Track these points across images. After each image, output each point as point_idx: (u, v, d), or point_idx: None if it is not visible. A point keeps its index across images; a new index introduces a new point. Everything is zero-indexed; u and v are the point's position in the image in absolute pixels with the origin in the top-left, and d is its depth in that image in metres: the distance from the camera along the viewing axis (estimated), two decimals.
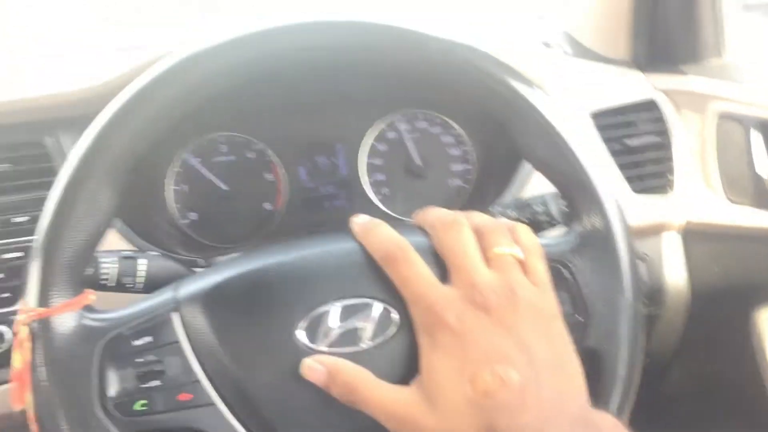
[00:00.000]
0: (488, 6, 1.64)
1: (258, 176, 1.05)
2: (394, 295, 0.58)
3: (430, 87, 0.98)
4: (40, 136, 0.93)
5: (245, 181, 1.05)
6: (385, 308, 0.58)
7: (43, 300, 0.58)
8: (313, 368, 0.56)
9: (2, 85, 0.97)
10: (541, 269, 0.59)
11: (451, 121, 1.09)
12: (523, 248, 0.60)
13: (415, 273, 0.57)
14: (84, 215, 0.59)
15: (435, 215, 0.62)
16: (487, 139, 1.08)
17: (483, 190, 1.08)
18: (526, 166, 1.00)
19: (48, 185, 0.90)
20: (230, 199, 1.04)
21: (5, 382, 0.87)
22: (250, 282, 0.61)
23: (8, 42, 1.44)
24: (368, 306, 0.59)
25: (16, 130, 0.94)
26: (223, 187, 1.04)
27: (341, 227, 1.05)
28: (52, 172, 0.92)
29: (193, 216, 1.04)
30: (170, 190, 1.03)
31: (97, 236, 0.61)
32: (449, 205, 1.07)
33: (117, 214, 0.62)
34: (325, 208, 1.08)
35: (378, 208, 1.08)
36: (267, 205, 1.06)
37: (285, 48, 0.63)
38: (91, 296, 0.62)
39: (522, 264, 0.58)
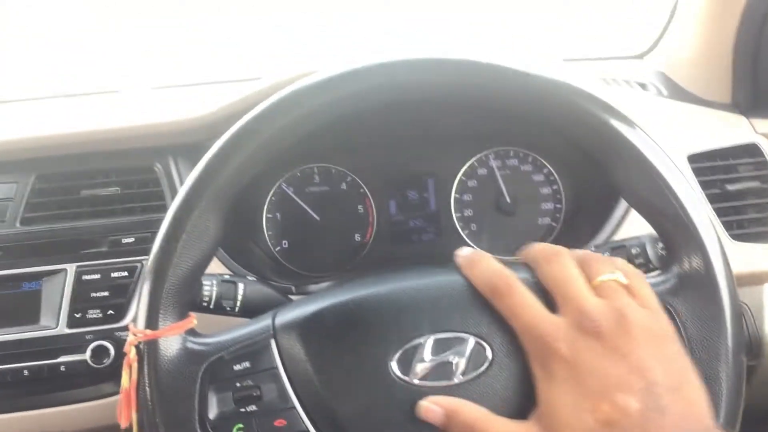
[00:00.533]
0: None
1: (349, 207, 1.08)
2: (488, 330, 0.58)
3: (524, 124, 0.99)
4: (150, 161, 0.98)
5: (337, 212, 1.07)
6: (478, 343, 0.58)
7: (151, 322, 0.61)
8: (431, 409, 0.57)
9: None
10: (647, 292, 0.58)
11: (542, 160, 1.09)
12: (626, 274, 0.59)
13: (523, 303, 0.57)
14: (192, 242, 0.62)
15: (537, 249, 0.62)
16: (578, 179, 1.07)
17: (573, 230, 1.06)
18: (620, 208, 0.98)
19: (156, 209, 0.97)
20: (321, 229, 1.07)
21: (109, 395, 0.91)
22: (345, 312, 0.62)
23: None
24: (462, 340, 0.59)
25: (127, 155, 0.99)
26: (315, 216, 1.07)
27: (429, 260, 1.06)
28: (160, 197, 0.97)
29: (285, 244, 1.07)
30: (264, 218, 1.06)
31: (204, 262, 0.64)
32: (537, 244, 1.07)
33: (222, 241, 0.65)
34: (413, 241, 1.09)
35: (466, 243, 1.08)
36: (357, 236, 1.08)
37: (389, 84, 0.65)
38: (194, 320, 0.65)
39: (627, 289, 0.58)
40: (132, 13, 1.75)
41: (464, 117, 1.00)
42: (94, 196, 0.97)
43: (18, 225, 0.95)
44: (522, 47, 1.26)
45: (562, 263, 0.59)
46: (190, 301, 0.68)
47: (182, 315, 0.63)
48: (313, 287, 0.97)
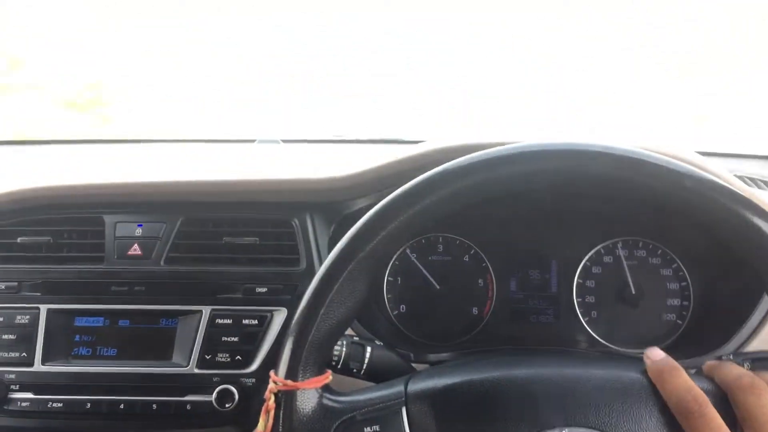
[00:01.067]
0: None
1: (470, 280, 1.09)
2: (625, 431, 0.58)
3: (656, 216, 0.98)
4: (289, 216, 1.03)
5: (457, 283, 1.09)
6: None
7: (292, 373, 0.64)
8: None
9: None
10: None
11: (672, 253, 1.07)
12: None
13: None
14: (339, 302, 0.65)
15: (732, 373, 0.61)
16: (710, 277, 1.04)
17: (700, 332, 1.03)
18: (757, 314, 0.94)
19: (289, 262, 1.01)
20: (440, 298, 1.08)
21: None
22: (481, 391, 0.63)
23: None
24: None
25: (267, 208, 1.05)
26: (436, 285, 1.08)
27: (544, 342, 1.06)
28: (294, 251, 1.01)
29: (402, 308, 1.09)
30: (385, 281, 1.09)
31: (347, 323, 0.67)
32: (660, 341, 1.04)
33: (366, 303, 0.68)
34: (530, 320, 1.08)
35: (584, 329, 1.06)
36: (474, 310, 1.08)
37: (549, 170, 0.66)
38: (330, 377, 0.67)
39: None
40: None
41: (594, 202, 1.00)
42: (234, 244, 1.02)
43: (162, 263, 1.01)
44: (657, 137, 1.25)
45: (762, 397, 0.57)
46: (328, 357, 0.70)
47: (321, 370, 0.66)
48: (432, 357, 0.98)
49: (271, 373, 0.65)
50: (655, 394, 0.60)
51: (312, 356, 0.65)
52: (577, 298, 1.07)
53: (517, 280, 1.09)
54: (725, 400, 0.58)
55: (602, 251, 1.08)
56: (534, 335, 1.07)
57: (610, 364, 0.67)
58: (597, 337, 1.06)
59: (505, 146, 0.66)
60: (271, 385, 0.65)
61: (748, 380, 0.59)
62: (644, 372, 0.62)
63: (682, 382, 0.60)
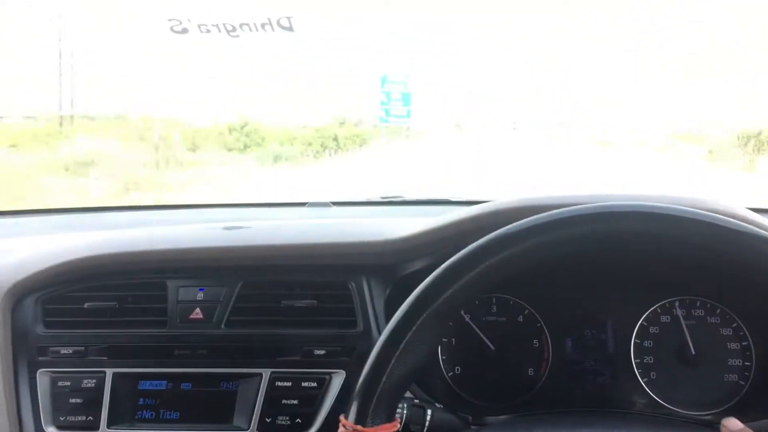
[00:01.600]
0: None
1: (525, 341, 1.09)
2: None
3: (713, 275, 0.97)
4: (346, 279, 1.05)
5: (512, 344, 1.08)
6: None
7: (361, 418, 0.65)
8: None
9: None
10: None
11: (731, 313, 1.05)
12: None
13: None
14: (412, 349, 0.66)
15: None
16: None
17: (764, 393, 1.01)
18: None
19: (346, 324, 1.03)
20: (495, 359, 1.08)
21: None
22: None
23: None
24: None
25: (324, 270, 1.07)
26: (491, 346, 1.08)
27: (602, 404, 1.04)
28: (351, 313, 1.03)
29: (457, 370, 1.09)
30: (440, 342, 1.09)
31: (416, 374, 0.68)
32: (722, 403, 1.02)
33: (432, 356, 0.69)
34: (587, 382, 1.07)
35: (644, 391, 1.05)
36: (530, 371, 1.08)
37: (611, 232, 0.67)
38: (399, 425, 0.68)
39: None
40: None
41: (657, 266, 1.00)
42: (292, 307, 1.04)
43: (223, 327, 1.04)
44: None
45: None
46: (396, 407, 0.71)
47: (390, 418, 0.67)
48: (490, 419, 0.97)
49: (341, 417, 0.66)
50: None
51: (382, 403, 0.66)
52: (635, 358, 1.06)
53: (573, 340, 1.08)
54: None
55: (659, 311, 1.07)
56: (592, 397, 1.06)
57: (673, 428, 0.66)
58: (657, 399, 1.04)
59: (586, 205, 0.68)
60: (341, 429, 0.66)
61: None
62: None
63: None
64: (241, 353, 1.02)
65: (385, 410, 0.66)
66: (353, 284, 1.04)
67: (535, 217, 0.69)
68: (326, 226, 1.30)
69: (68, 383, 1.02)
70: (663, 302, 1.07)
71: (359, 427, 0.65)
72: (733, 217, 0.67)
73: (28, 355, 1.05)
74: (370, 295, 1.04)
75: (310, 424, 0.96)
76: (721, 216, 0.66)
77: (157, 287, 1.08)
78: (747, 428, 0.62)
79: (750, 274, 0.66)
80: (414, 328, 0.66)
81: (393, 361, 0.66)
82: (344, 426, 0.66)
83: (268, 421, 0.97)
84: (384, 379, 0.66)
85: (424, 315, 0.67)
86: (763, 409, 0.95)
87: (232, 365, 1.02)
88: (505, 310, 1.10)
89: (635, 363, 1.06)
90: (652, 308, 1.07)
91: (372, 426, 0.65)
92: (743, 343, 1.04)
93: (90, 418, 1.00)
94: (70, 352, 1.04)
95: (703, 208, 0.67)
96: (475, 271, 0.67)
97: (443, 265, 0.69)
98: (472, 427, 0.85)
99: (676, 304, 1.06)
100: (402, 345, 0.66)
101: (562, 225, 0.67)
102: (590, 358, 1.08)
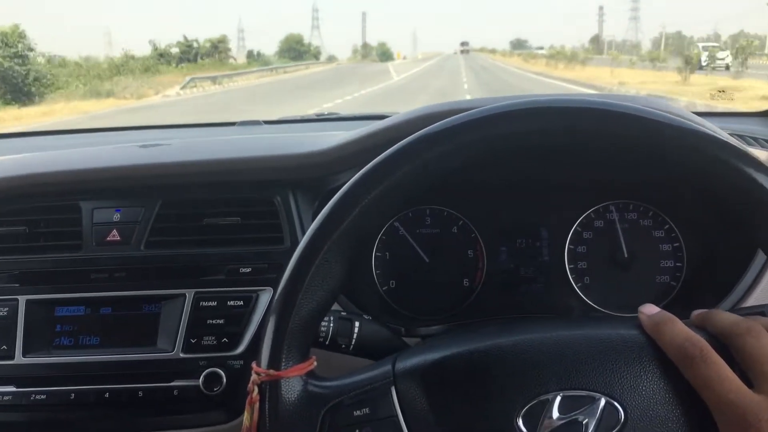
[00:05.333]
0: None
1: (459, 252, 1.07)
2: (621, 391, 0.56)
3: (645, 178, 0.96)
4: (271, 194, 1.00)
5: (446, 255, 1.06)
6: (609, 403, 0.56)
7: (274, 362, 0.61)
8: None
9: None
10: None
11: (663, 215, 1.05)
12: None
13: (720, 376, 0.54)
14: (317, 284, 0.62)
15: (727, 320, 0.59)
16: (703, 237, 1.02)
17: (695, 292, 1.01)
18: (751, 272, 0.93)
19: (273, 240, 0.99)
20: (430, 271, 1.06)
21: (216, 422, 0.93)
22: (470, 363, 0.61)
23: None
24: (593, 399, 0.56)
25: (248, 187, 1.02)
26: (425, 258, 1.06)
27: (537, 311, 1.04)
28: (278, 229, 0.98)
29: (392, 284, 1.06)
30: (373, 256, 1.06)
31: (327, 305, 0.64)
32: (655, 303, 1.02)
33: (347, 283, 0.65)
34: (521, 290, 1.06)
35: (578, 296, 1.05)
36: (465, 281, 1.06)
37: (519, 131, 0.63)
38: (315, 362, 0.65)
39: None
40: None
41: (582, 167, 0.98)
42: (215, 225, 0.99)
43: (143, 248, 0.99)
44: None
45: (760, 338, 0.56)
46: (311, 342, 0.68)
47: (304, 356, 0.63)
48: (423, 330, 0.96)
49: (253, 364, 0.63)
50: (651, 347, 0.58)
51: (294, 343, 0.62)
52: (569, 264, 1.05)
53: (507, 249, 1.07)
54: (722, 348, 0.57)
55: (593, 216, 1.06)
56: (526, 305, 1.05)
57: (601, 325, 0.65)
58: (591, 303, 1.04)
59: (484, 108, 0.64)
60: (253, 377, 0.62)
61: (744, 324, 0.57)
62: (638, 327, 0.61)
63: (681, 330, 0.58)
64: (163, 274, 0.97)
65: (298, 348, 0.62)
66: (279, 199, 1.00)
67: (451, 118, 0.64)
68: (250, 140, 1.24)
69: None
70: (597, 207, 1.05)
71: (272, 371, 0.61)
72: (674, 114, 0.64)
73: None
74: (297, 210, 1.00)
75: (237, 344, 0.93)
76: (646, 108, 0.63)
77: (70, 210, 1.02)
78: (664, 311, 0.61)
79: (680, 171, 0.64)
80: (321, 254, 0.62)
81: (301, 294, 0.62)
82: (257, 372, 0.62)
83: (193, 342, 0.93)
84: (293, 315, 0.61)
85: (330, 240, 0.62)
86: (693, 309, 0.95)
87: (154, 287, 0.97)
88: (439, 221, 1.07)
89: (569, 269, 1.05)
90: (586, 213, 1.06)
91: (286, 368, 0.61)
92: (675, 245, 1.04)
93: (4, 347, 0.95)
94: None
95: (635, 104, 0.64)
96: (383, 184, 0.63)
97: (350, 180, 0.64)
98: (405, 339, 0.82)
99: (612, 207, 1.05)
100: (308, 277, 0.62)
101: (479, 124, 0.63)
102: (525, 266, 1.07)
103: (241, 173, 1.01)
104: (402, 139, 0.65)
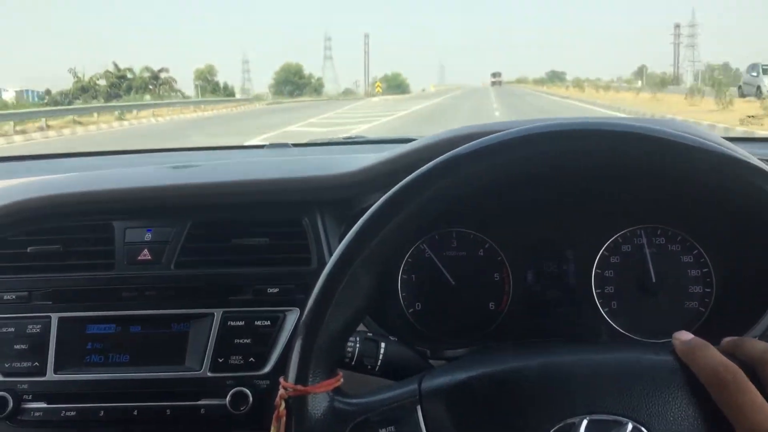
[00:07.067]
0: None
1: (485, 275, 1.07)
2: (648, 416, 0.56)
3: (675, 202, 0.95)
4: (298, 215, 1.01)
5: (472, 278, 1.06)
6: (636, 428, 0.56)
7: (302, 378, 0.62)
8: None
9: None
10: None
11: (692, 240, 1.04)
12: None
13: (753, 402, 0.54)
14: (345, 301, 0.63)
15: (758, 348, 0.59)
16: (733, 263, 1.01)
17: (724, 319, 1.00)
18: None
19: (300, 261, 1.00)
20: (455, 294, 1.06)
21: None
22: (497, 384, 0.61)
23: None
24: (620, 424, 0.56)
25: (276, 208, 1.03)
26: (451, 281, 1.06)
27: (563, 335, 1.03)
28: (305, 250, 1.00)
29: (418, 306, 1.07)
30: (399, 279, 1.07)
31: (355, 323, 0.65)
32: (683, 329, 1.01)
33: (374, 301, 0.66)
34: (547, 314, 1.06)
35: (604, 320, 1.04)
36: (491, 304, 1.06)
37: (554, 152, 0.64)
38: (341, 378, 0.65)
39: None
40: None
41: (610, 191, 0.98)
42: (244, 246, 1.01)
43: (173, 267, 1.01)
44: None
45: None
46: (339, 359, 0.68)
47: (331, 372, 0.64)
48: (449, 353, 0.96)
49: (281, 379, 0.64)
50: (682, 373, 0.58)
51: (321, 359, 0.63)
52: (595, 288, 1.05)
53: (534, 272, 1.07)
54: (752, 376, 0.56)
55: (620, 240, 1.05)
56: (552, 328, 1.05)
57: (629, 349, 0.65)
58: (618, 328, 1.03)
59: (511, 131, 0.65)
60: (281, 392, 0.63)
61: None
62: (669, 353, 0.61)
63: (715, 356, 0.58)
64: (192, 294, 0.99)
65: (325, 365, 0.63)
66: (307, 220, 1.01)
67: (473, 143, 0.65)
68: (279, 162, 1.26)
69: (12, 329, 0.98)
70: (624, 231, 1.05)
71: (299, 386, 0.62)
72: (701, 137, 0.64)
73: None
74: (325, 231, 1.01)
75: (264, 364, 0.94)
76: (678, 132, 0.63)
77: (103, 229, 1.04)
78: (697, 338, 0.61)
79: (710, 195, 0.64)
80: (348, 274, 0.63)
81: (329, 312, 0.63)
82: (284, 387, 0.63)
83: (220, 361, 0.94)
84: (321, 332, 0.63)
85: (358, 258, 0.63)
86: (722, 335, 0.94)
87: (183, 306, 0.98)
88: (465, 244, 1.08)
89: (596, 293, 1.05)
90: (613, 238, 1.05)
91: (313, 384, 0.62)
92: (704, 270, 1.03)
93: (36, 363, 0.96)
94: (14, 297, 1.00)
95: (669, 128, 0.64)
96: (412, 204, 0.64)
97: (380, 200, 0.65)
98: (431, 361, 0.83)
99: (640, 232, 1.05)
100: (336, 295, 0.63)
101: (511, 145, 0.64)
102: (551, 290, 1.06)
103: (269, 194, 1.03)
104: (430, 161, 0.66)
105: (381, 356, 0.78)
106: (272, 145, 1.61)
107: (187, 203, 1.04)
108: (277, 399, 0.63)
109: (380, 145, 1.54)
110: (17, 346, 0.98)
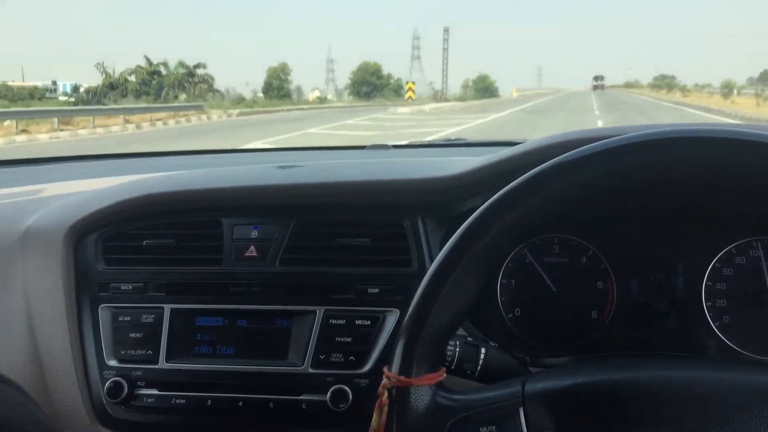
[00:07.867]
0: None
1: (588, 283, 1.04)
2: None
3: None
4: (400, 217, 1.03)
5: (574, 286, 1.04)
6: None
7: (406, 370, 0.63)
8: None
9: None
10: None
11: None
12: None
13: None
14: (450, 300, 0.64)
15: None
16: None
17: None
18: None
19: (401, 263, 1.01)
20: (556, 301, 1.04)
21: None
22: (602, 393, 0.60)
23: None
24: None
25: (378, 209, 1.05)
26: (552, 287, 1.04)
27: (669, 348, 0.99)
28: (405, 252, 1.00)
29: (517, 311, 1.05)
30: (499, 283, 1.06)
31: (460, 319, 0.66)
32: None
33: (475, 303, 0.66)
34: (653, 326, 1.02)
35: (715, 335, 0.99)
36: (593, 313, 1.03)
37: (661, 159, 0.62)
38: (444, 374, 0.66)
39: None
40: None
41: (725, 199, 0.93)
42: (346, 245, 1.03)
43: (278, 264, 1.04)
44: None
45: None
46: (442, 355, 0.69)
47: (435, 367, 0.65)
48: (549, 360, 0.94)
49: (385, 368, 0.65)
50: None
51: (426, 353, 0.64)
52: (706, 301, 1.00)
53: (640, 282, 1.03)
54: None
55: (734, 251, 1.00)
56: (658, 341, 1.01)
57: (746, 369, 0.62)
58: (729, 343, 0.98)
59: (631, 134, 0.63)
60: (384, 381, 0.64)
61: None
62: None
63: None
64: (296, 291, 1.02)
65: (429, 359, 0.64)
66: (408, 222, 1.02)
67: (585, 147, 0.64)
68: (381, 164, 1.27)
69: (128, 318, 1.04)
70: (739, 242, 1.00)
71: (403, 377, 0.63)
72: None
73: (90, 291, 1.07)
74: (425, 233, 1.02)
75: (364, 362, 0.95)
76: None
77: (212, 225, 1.08)
78: None
79: None
80: (458, 268, 0.64)
81: (436, 306, 0.64)
82: (388, 377, 0.64)
83: (322, 357, 0.96)
84: (427, 325, 0.64)
85: (468, 254, 0.64)
86: None
87: (287, 303, 1.01)
88: (567, 250, 1.05)
89: (707, 306, 1.00)
90: (726, 249, 1.00)
91: (416, 376, 0.63)
92: None
93: (149, 352, 1.02)
94: (130, 288, 1.06)
95: None
96: (524, 204, 0.63)
97: (492, 198, 0.65)
98: (531, 368, 0.82)
99: (756, 243, 0.99)
100: (445, 289, 0.64)
101: (619, 151, 0.62)
102: (658, 301, 1.02)
103: (372, 196, 1.05)
104: (536, 166, 0.65)
105: (481, 361, 0.78)
106: (373, 146, 1.63)
107: (292, 202, 1.07)
108: (380, 388, 0.64)
109: (480, 148, 1.53)
110: (132, 335, 1.03)
